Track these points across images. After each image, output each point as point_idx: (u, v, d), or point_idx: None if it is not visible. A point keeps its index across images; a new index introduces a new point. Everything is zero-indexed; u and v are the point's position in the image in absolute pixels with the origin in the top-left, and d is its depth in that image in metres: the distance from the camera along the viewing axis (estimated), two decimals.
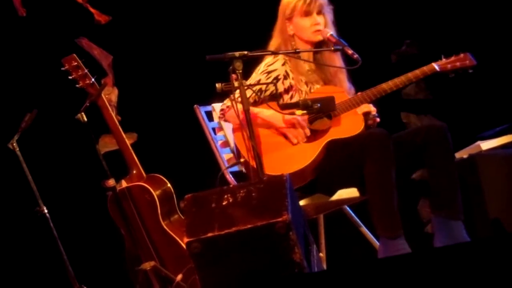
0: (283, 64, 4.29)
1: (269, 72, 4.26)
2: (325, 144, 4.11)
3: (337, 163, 4.09)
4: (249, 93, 4.12)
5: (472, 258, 2.95)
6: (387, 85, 4.19)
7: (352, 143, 4.07)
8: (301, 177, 4.09)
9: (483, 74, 4.46)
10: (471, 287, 2.89)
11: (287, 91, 4.27)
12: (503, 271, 2.86)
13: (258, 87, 4.22)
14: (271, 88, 4.23)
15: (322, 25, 4.28)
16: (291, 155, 4.11)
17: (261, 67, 4.29)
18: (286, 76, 4.28)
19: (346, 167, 4.09)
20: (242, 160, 4.09)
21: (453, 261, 2.96)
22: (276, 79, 4.25)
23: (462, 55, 4.24)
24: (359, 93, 4.23)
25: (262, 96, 4.22)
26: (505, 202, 4.34)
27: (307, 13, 4.28)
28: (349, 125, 4.16)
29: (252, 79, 4.27)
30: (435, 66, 4.21)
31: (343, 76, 4.35)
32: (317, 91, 4.30)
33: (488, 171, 4.39)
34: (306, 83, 4.32)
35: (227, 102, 4.21)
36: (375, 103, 4.25)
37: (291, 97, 4.27)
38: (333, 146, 4.11)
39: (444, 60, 4.23)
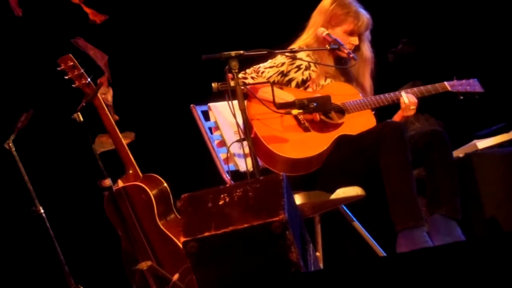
0: (307, 56, 4.34)
1: (293, 58, 4.29)
2: (337, 137, 4.13)
3: (343, 159, 4.10)
4: (272, 71, 4.27)
5: (469, 257, 2.95)
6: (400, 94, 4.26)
7: (364, 137, 4.10)
8: (307, 165, 4.10)
9: (480, 73, 4.47)
10: (468, 286, 2.88)
11: (304, 81, 4.30)
12: (500, 270, 2.87)
13: (281, 69, 4.28)
14: (292, 74, 4.29)
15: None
16: (302, 141, 4.12)
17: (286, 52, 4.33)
18: (307, 67, 4.31)
19: (351, 164, 4.10)
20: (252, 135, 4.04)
21: (449, 260, 2.96)
22: (298, 67, 4.30)
23: (471, 80, 4.40)
24: (372, 96, 4.30)
25: (282, 79, 4.29)
26: (502, 201, 4.34)
27: (352, 33, 4.31)
28: (362, 123, 4.19)
29: (277, 60, 4.32)
30: (447, 85, 4.33)
31: (367, 81, 4.40)
32: (329, 86, 4.32)
33: (485, 170, 4.40)
34: (325, 78, 4.34)
35: (251, 74, 4.26)
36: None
37: (306, 88, 4.31)
38: (343, 141, 4.12)
39: (455, 81, 4.35)
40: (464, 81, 4.39)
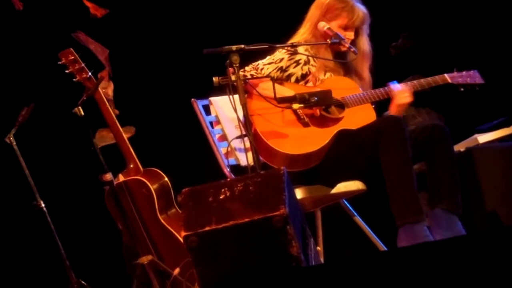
0: (306, 50, 4.34)
1: (292, 54, 4.29)
2: (337, 132, 4.12)
3: (343, 153, 4.10)
4: (271, 68, 4.26)
5: (469, 251, 2.95)
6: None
7: (364, 131, 4.09)
8: (306, 161, 4.10)
9: (481, 68, 4.47)
10: (469, 280, 2.89)
11: (304, 76, 4.30)
12: (501, 264, 2.87)
13: (280, 64, 4.28)
14: (291, 70, 4.29)
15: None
16: (302, 136, 4.12)
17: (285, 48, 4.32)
18: (306, 62, 4.31)
19: (352, 159, 4.10)
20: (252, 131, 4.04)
21: (450, 254, 2.96)
22: (297, 62, 4.30)
23: (472, 72, 4.36)
24: (372, 90, 4.29)
25: (281, 74, 4.28)
26: (502, 195, 4.34)
27: (346, 28, 4.30)
28: (362, 118, 4.18)
29: (276, 57, 4.32)
30: (447, 77, 4.31)
31: (365, 75, 4.39)
32: (329, 80, 4.32)
33: (485, 164, 4.39)
34: (325, 72, 4.34)
35: (250, 71, 4.26)
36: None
37: (306, 83, 4.31)
38: (343, 136, 4.12)
39: (456, 73, 4.32)
40: (464, 72, 4.37)
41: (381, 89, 4.27)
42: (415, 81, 4.30)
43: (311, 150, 4.08)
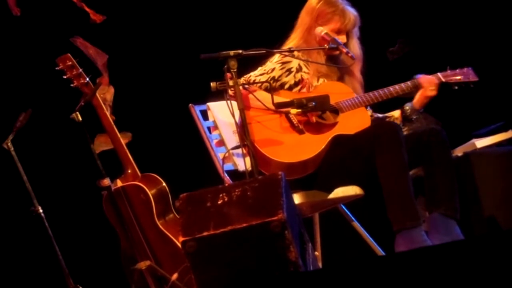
0: (297, 57, 4.33)
1: (283, 63, 4.30)
2: (332, 138, 4.12)
3: (340, 158, 4.09)
4: (263, 78, 4.25)
5: (467, 256, 2.95)
6: (394, 89, 4.28)
7: (360, 137, 4.08)
8: (303, 168, 4.10)
9: (478, 72, 4.47)
10: (467, 284, 2.89)
11: (297, 84, 4.29)
12: (499, 269, 2.87)
13: (272, 74, 4.27)
14: (284, 79, 4.28)
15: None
16: (297, 144, 4.11)
17: (275, 57, 4.31)
18: (298, 70, 4.30)
19: (349, 164, 4.09)
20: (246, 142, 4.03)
21: (448, 259, 2.96)
22: (289, 71, 4.29)
23: (465, 69, 4.35)
24: (366, 93, 4.28)
25: (274, 84, 4.27)
26: (500, 200, 4.34)
27: (339, 31, 4.30)
28: (356, 122, 4.17)
29: (267, 67, 4.32)
30: (441, 76, 4.32)
31: (357, 78, 4.39)
32: (322, 86, 4.31)
33: (483, 169, 4.40)
34: (318, 78, 4.33)
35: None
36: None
37: (300, 89, 4.30)
38: (339, 141, 4.11)
39: (449, 71, 4.32)
40: (457, 70, 4.37)
41: (383, 89, 4.25)
42: (408, 82, 4.30)
43: (306, 158, 4.07)
